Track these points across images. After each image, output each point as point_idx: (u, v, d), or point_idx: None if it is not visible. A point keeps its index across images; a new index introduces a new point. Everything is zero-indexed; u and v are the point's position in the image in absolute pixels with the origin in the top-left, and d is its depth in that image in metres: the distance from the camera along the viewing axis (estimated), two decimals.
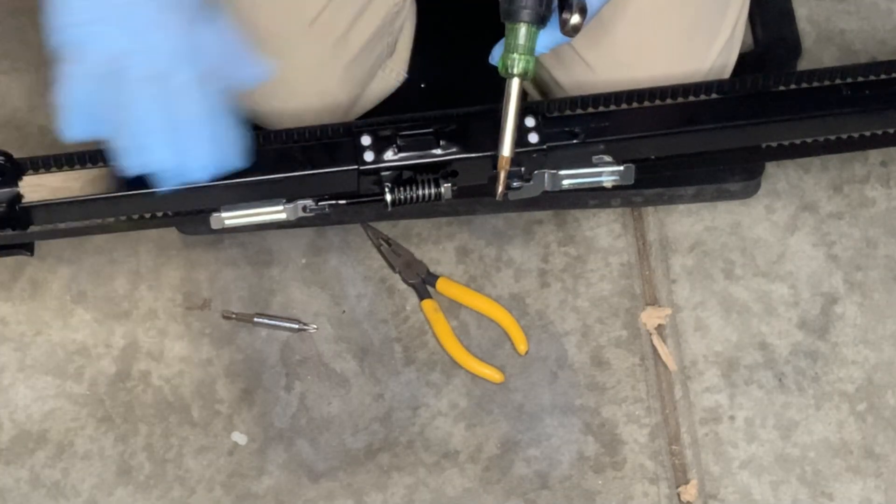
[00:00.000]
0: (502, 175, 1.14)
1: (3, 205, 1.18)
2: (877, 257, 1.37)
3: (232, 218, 1.22)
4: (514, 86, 1.10)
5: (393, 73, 1.39)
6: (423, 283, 1.35)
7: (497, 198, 1.16)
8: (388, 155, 1.20)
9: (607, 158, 1.23)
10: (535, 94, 1.40)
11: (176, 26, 1.03)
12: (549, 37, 1.10)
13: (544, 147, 1.21)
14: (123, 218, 1.24)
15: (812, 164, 1.41)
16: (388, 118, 1.22)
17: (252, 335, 1.33)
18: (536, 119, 1.21)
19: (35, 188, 1.19)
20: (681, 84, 1.24)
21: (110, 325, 1.34)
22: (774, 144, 1.31)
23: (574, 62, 1.30)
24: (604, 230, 1.38)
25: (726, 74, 1.33)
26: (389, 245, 1.37)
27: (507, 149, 1.12)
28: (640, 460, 1.28)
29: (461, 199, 1.23)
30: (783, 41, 1.45)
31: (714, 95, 1.25)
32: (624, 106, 1.23)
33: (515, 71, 1.09)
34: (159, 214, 1.25)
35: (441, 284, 1.35)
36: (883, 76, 1.26)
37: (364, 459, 1.28)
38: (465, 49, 1.22)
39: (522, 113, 1.20)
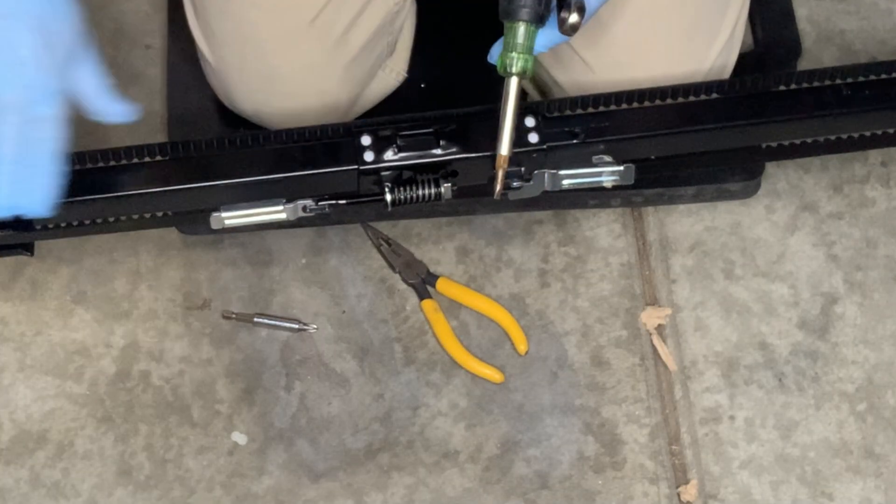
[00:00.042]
0: (500, 174, 1.14)
1: None
2: (877, 257, 1.37)
3: (232, 218, 1.22)
4: (513, 85, 1.10)
5: (393, 73, 1.39)
6: (423, 283, 1.35)
7: (495, 197, 1.16)
8: (388, 155, 1.20)
9: (607, 158, 1.23)
10: (534, 94, 1.40)
11: (48, 64, 1.04)
12: (547, 36, 1.10)
13: (544, 147, 1.21)
14: (123, 218, 1.24)
15: (812, 164, 1.41)
16: (388, 118, 1.22)
17: (252, 335, 1.33)
18: (536, 119, 1.21)
19: None
20: (681, 84, 1.24)
21: (110, 325, 1.34)
22: (774, 144, 1.31)
23: (573, 62, 1.30)
24: (604, 230, 1.38)
25: (726, 75, 1.33)
26: (389, 245, 1.37)
27: (505, 148, 1.12)
28: (640, 460, 1.28)
29: (461, 199, 1.23)
30: (783, 41, 1.45)
31: (714, 95, 1.25)
32: (624, 106, 1.23)
33: (514, 70, 1.09)
34: (159, 214, 1.25)
35: (441, 284, 1.35)
36: (883, 76, 1.26)
37: (364, 459, 1.28)
38: (465, 49, 1.22)
39: (522, 112, 1.21)
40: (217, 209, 1.22)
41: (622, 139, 1.23)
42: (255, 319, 1.33)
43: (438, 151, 1.20)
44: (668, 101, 1.24)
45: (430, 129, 1.21)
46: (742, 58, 1.36)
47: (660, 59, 1.29)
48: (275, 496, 1.26)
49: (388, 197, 1.21)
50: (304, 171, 1.20)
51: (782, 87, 1.25)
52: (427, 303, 1.34)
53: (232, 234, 1.36)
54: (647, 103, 1.24)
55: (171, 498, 1.27)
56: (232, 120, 1.37)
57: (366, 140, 1.20)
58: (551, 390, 1.31)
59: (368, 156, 1.20)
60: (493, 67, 1.11)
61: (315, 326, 1.34)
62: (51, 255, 1.36)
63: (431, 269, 1.36)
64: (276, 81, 1.30)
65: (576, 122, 1.22)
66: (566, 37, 1.09)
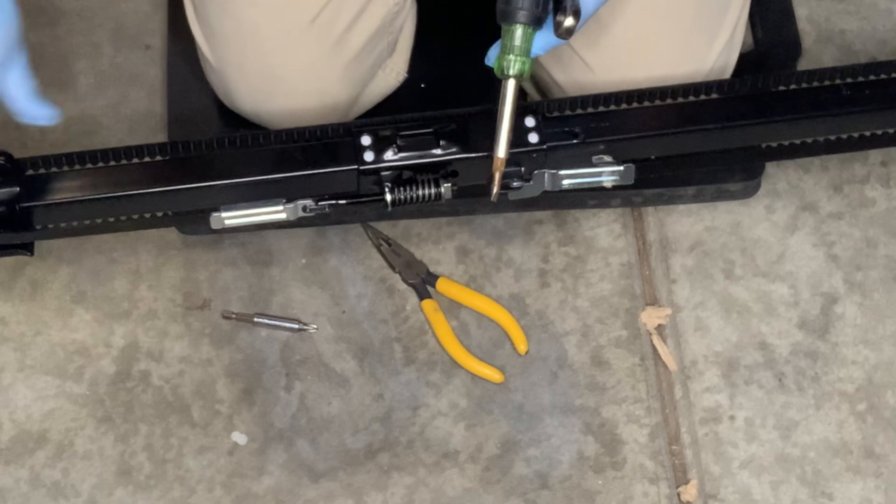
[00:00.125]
0: (497, 177, 1.14)
1: (3, 205, 1.18)
2: (877, 257, 1.37)
3: (232, 218, 1.22)
4: (510, 87, 1.10)
5: (393, 73, 1.39)
6: (423, 283, 1.35)
7: (492, 199, 1.16)
8: (388, 155, 1.20)
9: (607, 158, 1.23)
10: (534, 94, 1.40)
11: None
12: (544, 38, 1.10)
13: (544, 147, 1.21)
14: (123, 218, 1.24)
15: (812, 164, 1.41)
16: (388, 118, 1.22)
17: (252, 335, 1.33)
18: (536, 119, 1.21)
19: (35, 188, 1.19)
20: (681, 84, 1.24)
21: (110, 325, 1.34)
22: (774, 144, 1.31)
23: (573, 62, 1.30)
24: (604, 230, 1.38)
25: (727, 75, 1.33)
26: (389, 245, 1.37)
27: (502, 150, 1.12)
28: (640, 460, 1.28)
29: (461, 199, 1.23)
30: (783, 41, 1.45)
31: (714, 95, 1.25)
32: (624, 106, 1.23)
33: (511, 72, 1.09)
34: (159, 214, 1.25)
35: (441, 284, 1.35)
36: (883, 76, 1.26)
37: (364, 459, 1.28)
38: (465, 49, 1.22)
39: (522, 113, 1.21)
40: (217, 209, 1.22)
41: (622, 139, 1.23)
42: (255, 319, 1.33)
43: (438, 151, 1.20)
44: (668, 101, 1.24)
45: (430, 129, 1.21)
46: (742, 58, 1.36)
47: (660, 59, 1.29)
48: (275, 496, 1.26)
49: (388, 197, 1.21)
50: (304, 171, 1.20)
51: (782, 87, 1.26)
52: (427, 303, 1.34)
53: (232, 234, 1.36)
54: (647, 103, 1.24)
55: (171, 498, 1.27)
56: (232, 120, 1.37)
57: (366, 140, 1.20)
58: (551, 390, 1.31)
59: (368, 156, 1.20)
60: (492, 69, 1.11)
61: (315, 326, 1.34)
62: (51, 255, 1.36)
63: (431, 269, 1.36)
64: (276, 81, 1.30)
65: (576, 122, 1.22)
66: (562, 40, 1.09)
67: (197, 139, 1.21)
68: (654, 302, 1.35)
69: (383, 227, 1.38)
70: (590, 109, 1.23)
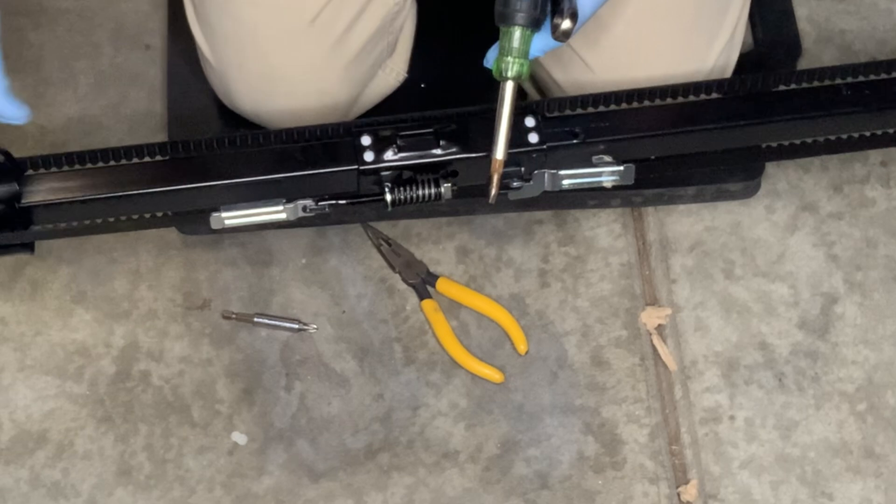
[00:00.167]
0: (496, 178, 1.14)
1: (3, 204, 1.18)
2: (877, 257, 1.37)
3: (232, 218, 1.22)
4: (509, 89, 1.10)
5: (393, 73, 1.39)
6: (423, 283, 1.35)
7: (490, 200, 1.16)
8: (388, 155, 1.20)
9: (607, 158, 1.23)
10: (534, 94, 1.40)
11: None
12: (542, 41, 1.10)
13: (544, 147, 1.21)
14: (124, 218, 1.24)
15: (812, 164, 1.41)
16: (388, 118, 1.22)
17: (252, 335, 1.33)
18: (536, 119, 1.21)
19: (35, 188, 1.19)
20: (681, 84, 1.24)
21: (110, 325, 1.34)
22: (774, 144, 1.31)
23: (573, 62, 1.30)
24: (604, 230, 1.38)
25: (727, 75, 1.33)
26: (389, 245, 1.37)
27: (500, 152, 1.12)
28: (640, 460, 1.28)
29: (461, 199, 1.23)
30: (783, 41, 1.45)
31: (714, 95, 1.25)
32: (624, 106, 1.23)
33: (509, 74, 1.09)
34: (159, 214, 1.25)
35: (441, 284, 1.35)
36: (883, 76, 1.26)
37: (364, 459, 1.28)
38: (465, 49, 1.22)
39: (522, 113, 1.21)
40: (217, 209, 1.22)
41: (622, 139, 1.23)
42: (255, 319, 1.33)
43: (438, 151, 1.20)
44: (669, 100, 1.24)
45: (430, 129, 1.21)
46: (742, 58, 1.36)
47: (660, 59, 1.29)
48: (275, 496, 1.26)
49: (388, 197, 1.21)
50: (304, 171, 1.20)
51: (782, 87, 1.26)
52: (427, 303, 1.34)
53: (232, 234, 1.36)
54: (647, 103, 1.24)
55: (171, 498, 1.26)
56: (232, 120, 1.37)
57: (366, 140, 1.20)
58: (551, 390, 1.31)
59: (368, 156, 1.20)
60: (490, 71, 1.11)
61: (315, 326, 1.33)
62: (51, 255, 1.36)
63: (431, 269, 1.36)
64: (276, 81, 1.30)
65: (576, 122, 1.22)
66: (559, 42, 1.10)
67: (197, 139, 1.21)
68: (654, 302, 1.35)
69: (383, 227, 1.38)
70: (590, 109, 1.23)
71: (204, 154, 1.21)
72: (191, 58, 1.38)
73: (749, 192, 1.39)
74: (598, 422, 1.30)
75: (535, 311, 1.34)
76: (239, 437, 1.29)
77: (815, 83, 1.26)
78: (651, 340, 1.33)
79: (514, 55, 1.09)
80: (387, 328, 1.34)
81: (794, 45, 1.45)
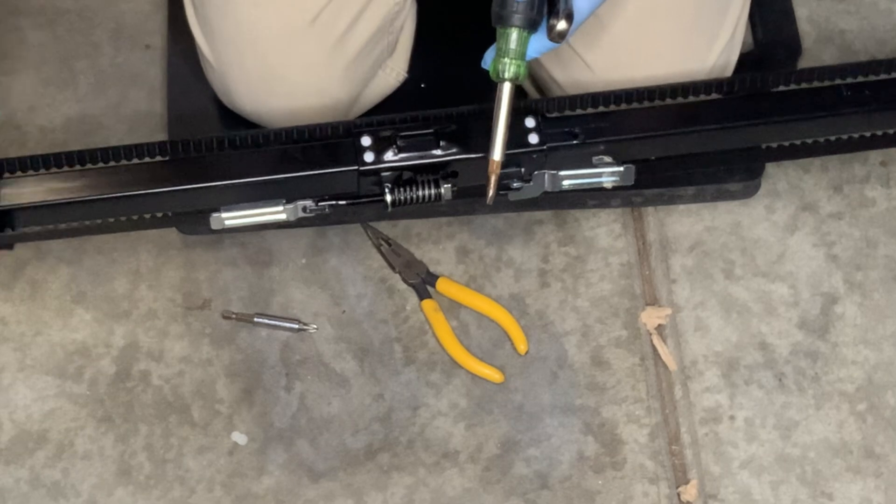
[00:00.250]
0: (493, 179, 1.14)
1: None
2: (877, 257, 1.37)
3: (232, 218, 1.22)
4: (506, 90, 1.10)
5: (393, 73, 1.39)
6: (423, 283, 1.35)
7: (488, 202, 1.16)
8: (388, 155, 1.20)
9: (607, 159, 1.23)
10: (533, 93, 1.40)
11: None
12: (539, 42, 1.10)
13: (544, 148, 1.21)
14: (124, 218, 1.24)
15: (812, 164, 1.41)
16: (388, 118, 1.23)
17: (252, 335, 1.33)
18: (536, 120, 1.21)
19: (34, 188, 1.19)
20: (680, 84, 1.24)
21: (110, 325, 1.34)
22: (774, 144, 1.31)
23: (573, 62, 1.30)
24: (604, 230, 1.38)
25: (727, 75, 1.33)
26: (389, 245, 1.37)
27: (497, 153, 1.12)
28: (640, 460, 1.28)
29: (461, 199, 1.23)
30: (783, 41, 1.45)
31: (714, 95, 1.25)
32: (624, 106, 1.23)
33: (506, 75, 1.09)
34: (159, 214, 1.25)
35: (441, 284, 1.35)
36: (883, 76, 1.26)
37: (364, 459, 1.28)
38: (465, 49, 1.22)
39: (522, 113, 1.21)
40: (217, 209, 1.22)
41: (622, 139, 1.23)
42: (255, 319, 1.33)
43: (438, 152, 1.20)
44: (669, 101, 1.24)
45: (430, 130, 1.21)
46: (742, 58, 1.36)
47: (660, 59, 1.29)
48: (275, 496, 1.27)
49: (388, 197, 1.21)
50: (304, 172, 1.20)
51: (782, 87, 1.26)
52: (427, 303, 1.34)
53: (232, 234, 1.36)
54: (646, 103, 1.24)
55: (171, 498, 1.27)
56: (232, 120, 1.37)
57: (366, 140, 1.20)
58: (551, 390, 1.31)
59: (368, 156, 1.20)
60: (488, 72, 1.11)
61: (315, 326, 1.34)
62: (51, 255, 1.36)
63: (431, 269, 1.36)
64: (276, 81, 1.30)
65: (576, 123, 1.22)
66: (556, 43, 1.09)
67: (197, 139, 1.21)
68: (654, 302, 1.35)
69: (383, 227, 1.38)
70: (589, 109, 1.23)
71: (204, 154, 1.21)
72: (191, 58, 1.38)
73: (749, 192, 1.39)
74: (598, 422, 1.30)
75: (535, 311, 1.34)
76: (239, 437, 1.29)
77: (815, 83, 1.26)
78: (651, 340, 1.33)
79: (511, 56, 1.09)
80: (387, 328, 1.34)
81: (794, 45, 1.45)
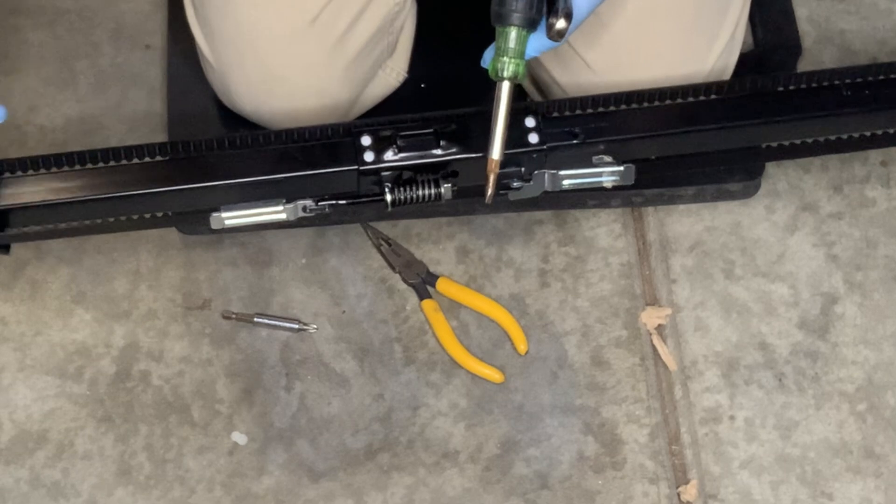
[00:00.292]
0: (492, 178, 1.14)
1: None
2: (877, 257, 1.37)
3: (232, 218, 1.22)
4: (505, 89, 1.10)
5: (393, 73, 1.39)
6: (423, 283, 1.35)
7: (487, 201, 1.16)
8: (388, 155, 1.20)
9: (607, 159, 1.23)
10: (534, 94, 1.40)
11: None
12: (538, 40, 1.10)
13: (544, 147, 1.21)
14: (124, 218, 1.24)
15: (812, 164, 1.41)
16: (388, 118, 1.22)
17: (252, 335, 1.33)
18: (536, 119, 1.21)
19: (34, 188, 1.19)
20: (680, 85, 1.24)
21: (110, 325, 1.34)
22: (774, 144, 1.31)
23: (574, 62, 1.30)
24: (604, 230, 1.38)
25: (727, 76, 1.33)
26: (389, 245, 1.37)
27: (496, 152, 1.12)
28: (640, 460, 1.28)
29: (461, 199, 1.23)
30: (783, 41, 1.45)
31: (714, 96, 1.25)
32: (624, 107, 1.23)
33: (506, 74, 1.09)
34: (159, 214, 1.25)
35: (441, 284, 1.35)
36: (882, 77, 1.26)
37: (364, 459, 1.28)
38: (465, 49, 1.22)
39: (522, 113, 1.21)
40: (217, 209, 1.22)
41: (622, 139, 1.23)
42: (255, 319, 1.33)
43: (438, 152, 1.20)
44: (668, 101, 1.24)
45: (430, 130, 1.21)
46: (742, 58, 1.36)
47: (660, 59, 1.29)
48: (275, 496, 1.26)
49: (388, 197, 1.21)
50: (304, 172, 1.20)
51: (782, 88, 1.26)
52: (427, 303, 1.34)
53: (232, 234, 1.36)
54: (646, 104, 1.24)
55: (171, 498, 1.27)
56: (232, 120, 1.37)
57: (366, 140, 1.20)
58: (551, 390, 1.31)
59: (368, 156, 1.20)
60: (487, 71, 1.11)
61: (315, 326, 1.33)
62: (51, 254, 1.36)
63: (431, 269, 1.36)
64: (276, 81, 1.30)
65: (576, 123, 1.22)
66: (555, 43, 1.09)
67: (197, 139, 1.21)
68: (654, 302, 1.35)
69: (383, 227, 1.38)
70: (589, 110, 1.23)
71: (204, 154, 1.21)
72: (191, 58, 1.38)
73: (749, 192, 1.39)
74: (598, 422, 1.30)
75: (535, 311, 1.34)
76: (239, 437, 1.29)
77: (815, 84, 1.26)
78: (651, 340, 1.33)
79: (510, 55, 1.08)
80: (387, 328, 1.34)
81: (794, 46, 1.45)
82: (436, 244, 1.38)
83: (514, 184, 1.23)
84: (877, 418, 1.30)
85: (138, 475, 1.27)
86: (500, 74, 1.09)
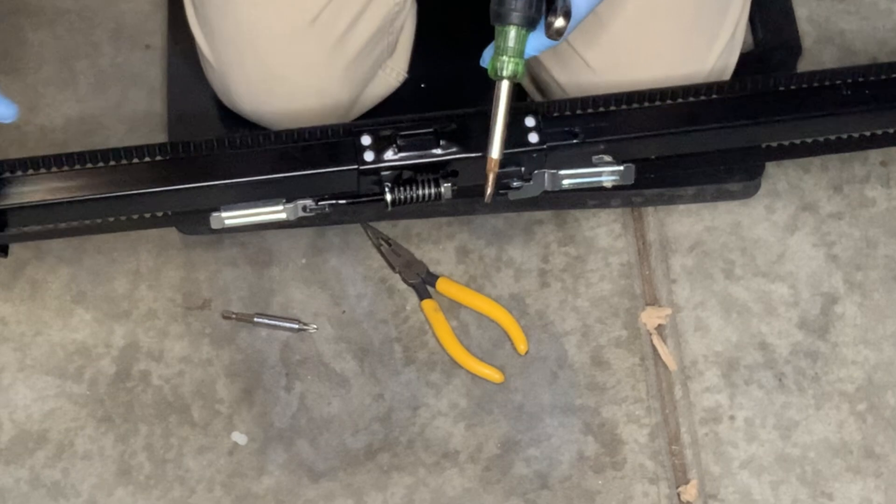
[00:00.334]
0: (491, 178, 1.14)
1: None
2: (877, 257, 1.37)
3: (232, 218, 1.22)
4: (504, 88, 1.10)
5: (393, 73, 1.39)
6: (423, 283, 1.35)
7: (486, 200, 1.16)
8: (388, 155, 1.20)
9: (607, 158, 1.23)
10: (534, 94, 1.40)
11: None
12: (537, 40, 1.10)
13: (544, 147, 1.21)
14: (124, 218, 1.24)
15: (812, 164, 1.41)
16: (388, 118, 1.22)
17: (252, 335, 1.33)
18: (536, 119, 1.21)
19: (33, 188, 1.19)
20: (681, 85, 1.24)
21: (110, 325, 1.34)
22: (774, 144, 1.31)
23: (574, 62, 1.30)
24: (604, 230, 1.38)
25: (727, 76, 1.33)
26: (389, 245, 1.37)
27: (496, 151, 1.12)
28: (640, 460, 1.28)
29: (461, 198, 1.23)
30: (783, 41, 1.45)
31: (714, 96, 1.25)
32: (624, 107, 1.23)
33: (505, 73, 1.09)
34: (159, 214, 1.25)
35: (441, 284, 1.35)
36: (882, 77, 1.26)
37: (364, 459, 1.28)
38: (465, 49, 1.22)
39: (522, 113, 1.21)
40: (217, 209, 1.22)
41: (622, 139, 1.23)
42: (255, 319, 1.33)
43: (438, 151, 1.20)
44: (668, 101, 1.24)
45: (430, 129, 1.21)
46: (742, 58, 1.36)
47: (660, 59, 1.29)
48: (275, 496, 1.26)
49: (388, 197, 1.21)
50: (304, 171, 1.20)
51: (781, 88, 1.26)
52: (427, 303, 1.34)
53: (232, 234, 1.36)
54: (646, 104, 1.24)
55: (171, 498, 1.27)
56: (232, 120, 1.37)
57: (366, 140, 1.20)
58: (551, 390, 1.31)
59: (368, 156, 1.20)
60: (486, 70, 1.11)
61: (315, 326, 1.33)
62: (51, 254, 1.36)
63: (431, 269, 1.36)
64: (276, 81, 1.30)
65: (576, 122, 1.22)
66: (554, 41, 1.09)
67: (197, 139, 1.21)
68: (654, 302, 1.35)
69: (383, 227, 1.38)
70: (589, 110, 1.23)
71: (204, 154, 1.21)
72: (191, 58, 1.38)
73: (749, 192, 1.39)
74: (598, 422, 1.30)
75: (535, 311, 1.34)
76: (239, 437, 1.29)
77: (815, 84, 1.26)
78: (651, 340, 1.33)
79: (509, 54, 1.08)
80: (387, 328, 1.34)
81: (794, 46, 1.45)
82: (436, 244, 1.38)
83: (514, 183, 1.23)
84: (877, 418, 1.30)
85: (138, 475, 1.27)
86: (499, 73, 1.09)
